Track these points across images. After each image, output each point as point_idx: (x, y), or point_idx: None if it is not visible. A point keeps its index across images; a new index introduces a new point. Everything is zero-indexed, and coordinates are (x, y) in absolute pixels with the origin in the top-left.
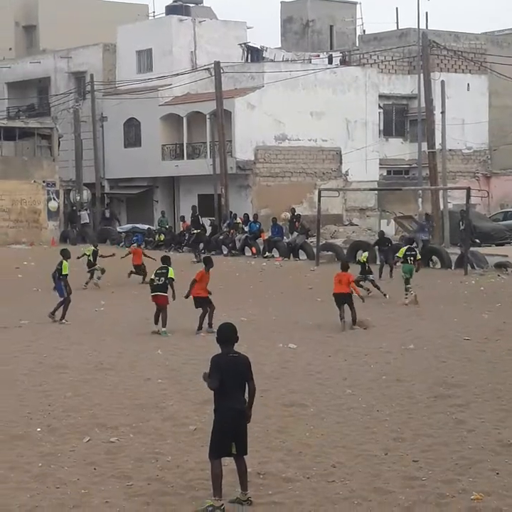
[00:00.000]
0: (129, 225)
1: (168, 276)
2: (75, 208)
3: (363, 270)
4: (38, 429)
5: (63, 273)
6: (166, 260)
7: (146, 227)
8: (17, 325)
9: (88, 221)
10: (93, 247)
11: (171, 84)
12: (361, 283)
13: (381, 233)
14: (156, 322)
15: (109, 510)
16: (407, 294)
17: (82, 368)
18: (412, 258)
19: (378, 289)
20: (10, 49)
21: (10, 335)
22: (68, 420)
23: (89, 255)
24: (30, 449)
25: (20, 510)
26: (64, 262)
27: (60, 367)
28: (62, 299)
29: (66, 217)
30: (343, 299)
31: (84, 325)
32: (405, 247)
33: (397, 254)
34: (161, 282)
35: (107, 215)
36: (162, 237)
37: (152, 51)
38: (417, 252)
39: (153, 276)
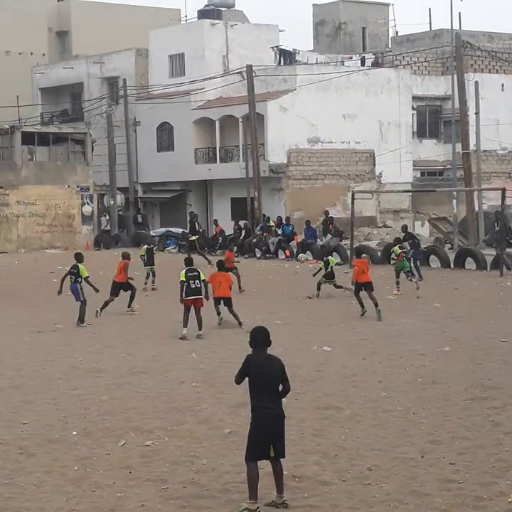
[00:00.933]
0: (163, 229)
1: (202, 278)
2: (121, 212)
3: (328, 274)
4: (74, 433)
5: (82, 276)
6: (192, 262)
7: (179, 230)
8: (52, 329)
9: (108, 227)
10: (147, 246)
11: (203, 89)
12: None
13: (404, 227)
14: (185, 325)
15: None
16: (398, 287)
17: (116, 371)
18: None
19: (341, 288)
20: (43, 55)
21: (45, 339)
22: (104, 424)
23: (143, 254)
24: (66, 453)
25: None
26: (80, 265)
27: (95, 371)
28: (79, 302)
29: (133, 221)
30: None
31: (119, 328)
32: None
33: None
34: (198, 285)
35: (139, 219)
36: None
37: (184, 55)
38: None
39: (183, 279)
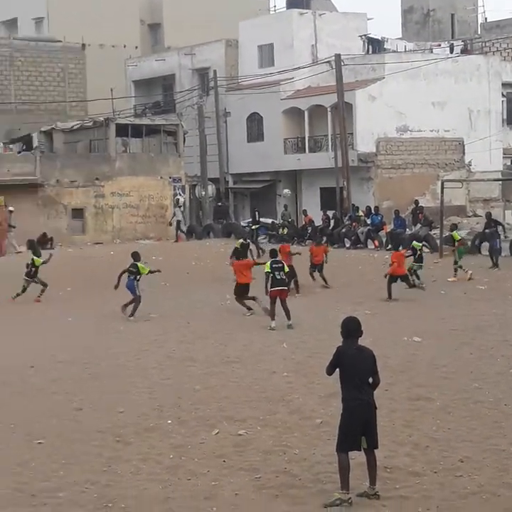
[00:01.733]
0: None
1: (286, 270)
2: (220, 203)
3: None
4: (169, 422)
5: (143, 273)
6: (277, 254)
7: (269, 221)
8: (146, 318)
9: (181, 219)
10: (242, 240)
11: (292, 78)
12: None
13: (488, 215)
14: (273, 317)
15: (239, 503)
16: (456, 273)
17: (209, 361)
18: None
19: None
20: (136, 47)
21: (139, 328)
22: (197, 413)
23: (238, 247)
24: (162, 441)
25: (152, 501)
26: (139, 264)
27: (188, 360)
28: (134, 297)
29: (213, 211)
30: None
31: (210, 318)
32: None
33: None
34: (283, 277)
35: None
36: (285, 230)
37: (273, 46)
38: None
39: (268, 270)
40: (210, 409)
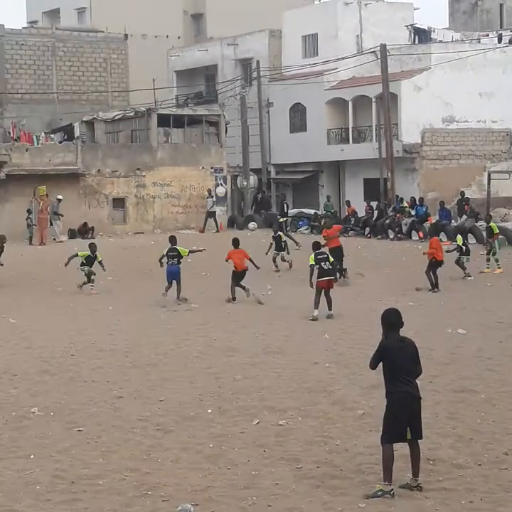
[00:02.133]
0: (295, 210)
1: (332, 260)
2: (260, 193)
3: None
4: (209, 411)
5: (184, 255)
6: (320, 246)
7: (312, 211)
8: (188, 308)
9: (214, 209)
10: (273, 234)
11: (336, 69)
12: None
13: None
14: (317, 307)
15: (280, 492)
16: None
17: (250, 351)
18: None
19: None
20: (179, 38)
21: (181, 318)
22: (238, 402)
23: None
24: (202, 430)
25: (192, 489)
26: (178, 247)
27: (229, 350)
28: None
29: (253, 202)
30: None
31: (252, 308)
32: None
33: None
34: (329, 267)
35: (259, 199)
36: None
37: (317, 36)
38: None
39: (313, 262)
40: (250, 399)
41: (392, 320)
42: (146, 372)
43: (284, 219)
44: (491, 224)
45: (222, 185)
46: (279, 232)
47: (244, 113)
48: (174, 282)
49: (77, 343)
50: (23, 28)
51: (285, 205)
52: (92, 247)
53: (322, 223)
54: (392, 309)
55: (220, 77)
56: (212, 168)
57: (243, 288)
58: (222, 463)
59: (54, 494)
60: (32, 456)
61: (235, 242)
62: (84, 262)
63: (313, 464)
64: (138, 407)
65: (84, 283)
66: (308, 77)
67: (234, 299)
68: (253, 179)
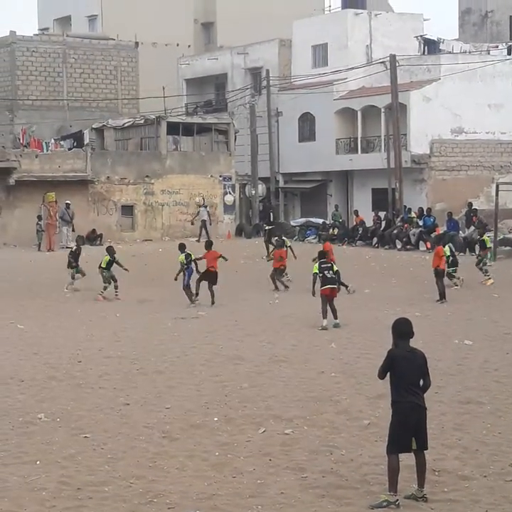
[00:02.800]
0: (303, 219)
1: (335, 270)
2: (264, 202)
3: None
4: (215, 419)
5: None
6: (324, 255)
7: (320, 221)
8: (195, 316)
9: (206, 218)
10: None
11: (345, 79)
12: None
13: None
14: (325, 316)
15: (285, 501)
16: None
17: (257, 359)
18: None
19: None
20: (189, 46)
21: (188, 325)
22: (244, 411)
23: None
24: (208, 438)
25: (198, 497)
26: (189, 253)
27: (236, 358)
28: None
29: (260, 211)
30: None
31: (259, 317)
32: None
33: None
34: (333, 276)
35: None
36: (336, 230)
37: (327, 46)
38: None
39: (316, 271)
40: (257, 408)
41: (402, 329)
42: (153, 380)
43: (270, 227)
44: (485, 237)
45: (230, 193)
46: (283, 238)
47: (254, 122)
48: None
49: (84, 350)
50: (34, 34)
51: (271, 213)
52: (111, 249)
53: (330, 232)
54: (403, 319)
55: (229, 86)
56: (220, 176)
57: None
58: (227, 471)
59: (59, 500)
60: (38, 462)
61: (208, 245)
62: (105, 266)
63: (319, 473)
64: (144, 415)
65: (70, 284)
66: (318, 86)
67: (197, 294)
68: (261, 188)
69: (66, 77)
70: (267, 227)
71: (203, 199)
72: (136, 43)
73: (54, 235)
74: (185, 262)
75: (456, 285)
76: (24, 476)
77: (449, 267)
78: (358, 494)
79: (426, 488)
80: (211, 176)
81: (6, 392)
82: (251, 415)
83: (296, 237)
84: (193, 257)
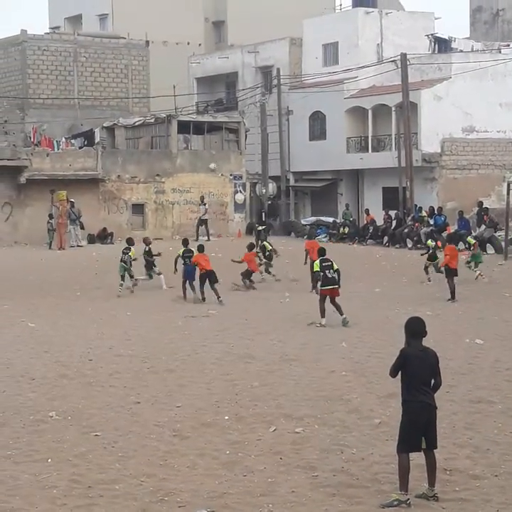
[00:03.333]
0: (313, 218)
1: (335, 268)
2: (270, 201)
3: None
4: (226, 418)
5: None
6: (325, 252)
7: (330, 219)
8: (205, 314)
9: (206, 217)
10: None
11: (356, 77)
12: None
13: None
14: (323, 315)
15: (296, 500)
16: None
17: (267, 358)
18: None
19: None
20: (199, 45)
21: (198, 324)
22: (255, 409)
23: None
24: (219, 437)
25: (209, 496)
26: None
27: (247, 357)
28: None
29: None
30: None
31: (269, 316)
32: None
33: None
34: (333, 275)
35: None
36: (346, 229)
37: (338, 44)
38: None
39: (318, 269)
40: (267, 407)
41: (415, 328)
42: (164, 378)
43: (262, 227)
44: (469, 238)
45: (241, 192)
46: (264, 242)
47: (264, 120)
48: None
49: (95, 348)
50: (45, 33)
51: (263, 213)
52: (130, 241)
53: (341, 230)
54: (416, 318)
55: (240, 85)
56: (231, 175)
57: (215, 292)
58: (238, 470)
59: (70, 498)
60: (49, 460)
61: (200, 248)
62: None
63: (330, 472)
64: (155, 413)
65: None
66: (328, 85)
67: (203, 299)
68: (272, 186)
69: (77, 76)
70: (259, 228)
71: (203, 197)
72: (147, 42)
73: (65, 234)
74: (181, 255)
75: (429, 281)
76: (35, 474)
77: (428, 260)
78: (368, 493)
79: (437, 487)
80: (222, 175)
81: (18, 390)
82: (262, 414)
83: (307, 235)
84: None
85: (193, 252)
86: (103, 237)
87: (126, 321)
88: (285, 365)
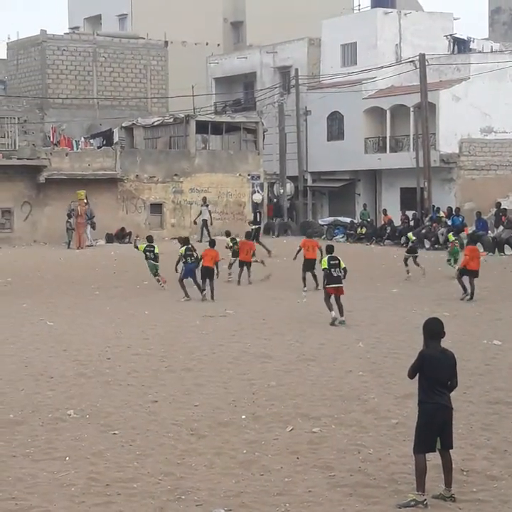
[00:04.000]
0: (331, 218)
1: (342, 266)
2: (275, 200)
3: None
4: (243, 417)
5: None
6: (333, 249)
7: (348, 220)
8: (222, 314)
9: (207, 217)
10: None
11: (374, 78)
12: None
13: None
14: (332, 309)
15: (313, 500)
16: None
17: (284, 358)
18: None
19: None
20: (218, 45)
21: (215, 324)
22: (272, 409)
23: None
24: (236, 436)
25: (226, 495)
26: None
27: (264, 356)
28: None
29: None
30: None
31: (287, 316)
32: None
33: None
34: (339, 274)
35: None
36: (364, 230)
37: (356, 45)
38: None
39: (326, 267)
40: (284, 406)
41: (434, 329)
42: (181, 377)
43: (256, 227)
44: (449, 234)
45: (258, 192)
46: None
47: (282, 121)
48: (191, 280)
49: (113, 347)
50: (64, 33)
51: (258, 213)
52: (151, 239)
53: (358, 231)
54: (435, 318)
55: (258, 85)
56: (249, 175)
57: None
58: (255, 469)
59: (89, 496)
60: (67, 458)
61: (211, 243)
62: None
63: (347, 472)
64: (172, 412)
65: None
66: (347, 85)
67: (203, 290)
68: (290, 187)
69: (96, 76)
70: (253, 227)
71: (205, 199)
72: (166, 42)
73: (84, 233)
74: (184, 254)
75: (409, 273)
76: (54, 471)
77: (407, 253)
78: (385, 493)
79: (454, 487)
80: (239, 175)
81: (36, 388)
82: (279, 413)
83: (324, 235)
84: (195, 253)
85: (193, 250)
86: (121, 236)
87: (144, 320)
88: (302, 364)
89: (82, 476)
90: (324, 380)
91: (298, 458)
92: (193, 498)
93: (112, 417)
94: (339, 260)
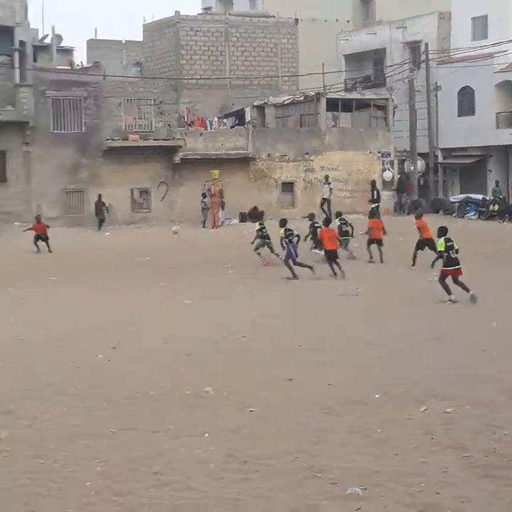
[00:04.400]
0: (462, 195)
1: (456, 248)
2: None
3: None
4: (377, 396)
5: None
6: (447, 231)
7: (479, 197)
8: (354, 293)
9: (327, 196)
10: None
11: (506, 51)
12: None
13: None
14: (450, 292)
15: (447, 480)
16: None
17: (417, 336)
18: None
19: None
20: (348, 21)
21: (344, 303)
22: (405, 388)
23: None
24: (369, 415)
25: (360, 473)
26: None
27: (398, 335)
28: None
29: (420, 186)
30: None
31: (417, 295)
32: None
33: None
34: (457, 255)
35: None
36: (496, 207)
37: (487, 17)
38: None
39: (442, 249)
40: (418, 386)
41: None
42: (314, 356)
43: (376, 205)
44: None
45: (389, 169)
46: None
47: (412, 97)
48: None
49: (248, 326)
50: (198, 14)
51: (376, 191)
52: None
53: (490, 208)
54: None
55: (388, 61)
56: (379, 152)
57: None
58: (389, 448)
59: (226, 473)
60: (206, 435)
61: (326, 222)
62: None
63: (481, 452)
64: (307, 390)
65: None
66: (478, 59)
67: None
68: (420, 164)
69: (228, 56)
70: (372, 206)
71: (327, 177)
72: (296, 20)
73: (218, 213)
74: (284, 235)
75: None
76: (193, 448)
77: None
78: None
79: None
80: (370, 152)
81: (174, 365)
82: (412, 393)
83: (456, 213)
84: (295, 233)
85: (292, 230)
86: (254, 215)
87: (279, 299)
88: (436, 344)
89: (221, 452)
90: (458, 360)
91: (432, 438)
92: (328, 477)
93: (248, 394)
94: (453, 242)
